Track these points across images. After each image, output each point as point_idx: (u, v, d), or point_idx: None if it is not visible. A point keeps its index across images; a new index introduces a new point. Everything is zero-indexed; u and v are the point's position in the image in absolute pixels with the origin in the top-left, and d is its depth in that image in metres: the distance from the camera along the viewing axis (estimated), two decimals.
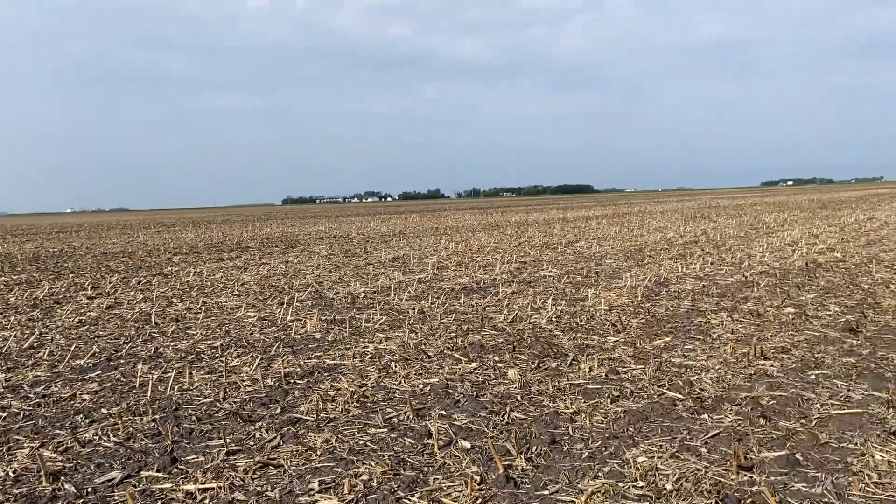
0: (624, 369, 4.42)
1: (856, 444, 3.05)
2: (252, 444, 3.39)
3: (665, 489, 2.73)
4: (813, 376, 4.09)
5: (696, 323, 5.72)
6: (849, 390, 3.80)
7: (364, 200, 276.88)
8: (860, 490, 2.63)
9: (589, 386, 4.11)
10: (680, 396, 3.84)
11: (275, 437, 3.45)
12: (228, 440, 3.42)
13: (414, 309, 6.77)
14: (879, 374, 4.07)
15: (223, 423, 3.71)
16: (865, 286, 7.14)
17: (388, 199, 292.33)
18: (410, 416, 3.68)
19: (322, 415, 3.74)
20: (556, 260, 10.79)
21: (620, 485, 2.80)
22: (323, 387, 4.26)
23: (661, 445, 3.15)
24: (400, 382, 4.31)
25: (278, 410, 3.87)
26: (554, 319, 6.05)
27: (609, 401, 3.81)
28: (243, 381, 4.47)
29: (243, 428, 3.61)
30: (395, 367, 4.65)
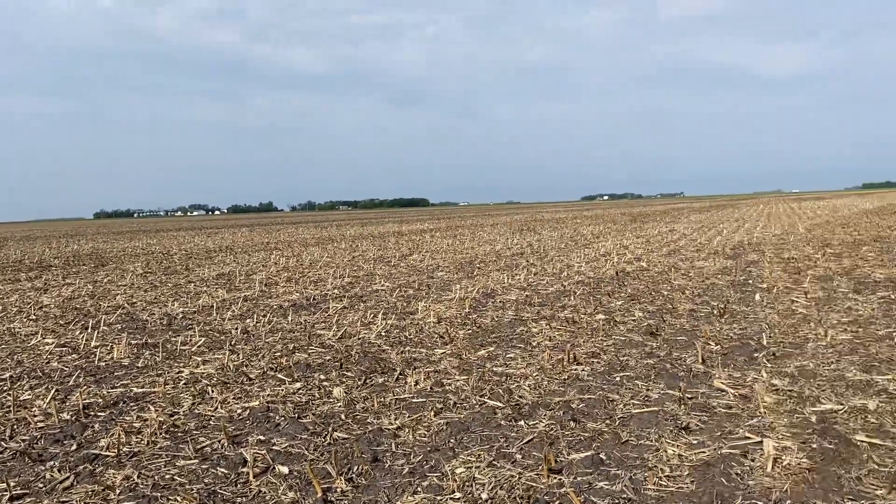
0: (449, 381, 4.49)
1: (652, 440, 3.30)
2: (41, 486, 3.03)
3: (481, 499, 2.78)
4: (618, 378, 4.40)
5: (518, 332, 5.96)
6: (648, 390, 4.12)
7: (189, 214, 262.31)
8: (654, 484, 2.84)
9: (414, 400, 4.12)
10: (500, 405, 3.96)
11: (68, 477, 3.10)
12: (13, 483, 3.03)
13: (237, 328, 6.46)
14: (674, 373, 4.46)
15: (8, 464, 3.29)
16: (665, 292, 7.84)
17: (217, 212, 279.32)
18: (225, 444, 3.48)
19: (125, 449, 3.43)
20: (390, 274, 10.83)
21: (438, 498, 2.81)
22: (128, 418, 3.92)
23: (479, 455, 3.21)
24: (216, 408, 4.07)
25: (74, 447, 3.49)
26: (383, 334, 6.04)
27: (433, 413, 3.84)
28: (35, 416, 4.00)
29: (32, 469, 3.22)
30: (212, 391, 4.39)
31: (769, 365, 4.52)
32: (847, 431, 3.26)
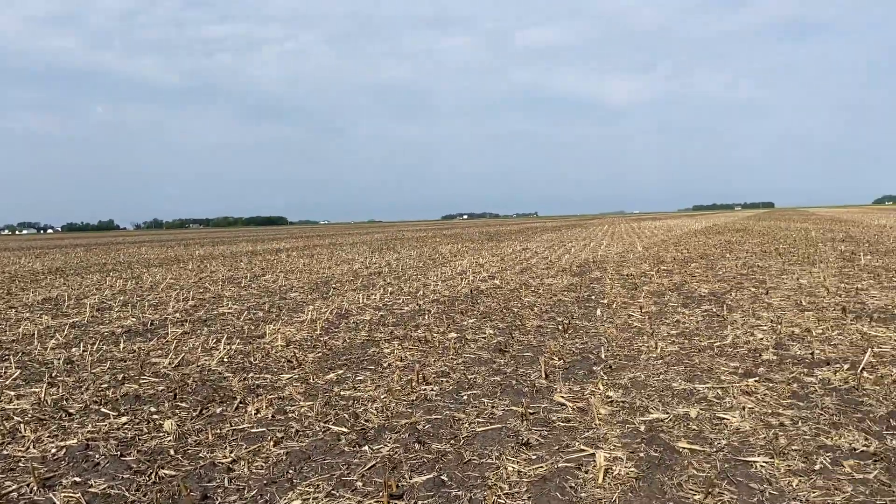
0: (292, 408, 4.31)
1: (493, 458, 3.33)
2: None
3: None
4: (466, 397, 4.43)
5: (370, 353, 5.87)
6: (493, 407, 4.17)
7: (17, 233, 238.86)
8: (493, 503, 2.85)
9: (253, 430, 3.91)
10: (345, 430, 3.84)
11: None
12: None
13: (60, 358, 5.88)
14: (518, 389, 4.55)
15: None
16: (516, 309, 8.07)
17: (49, 231, 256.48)
18: (35, 488, 3.11)
19: None
20: (239, 295, 10.37)
21: None
22: None
23: (318, 485, 3.08)
24: (28, 448, 3.64)
25: None
26: (226, 360, 5.73)
27: (272, 443, 3.65)
28: None
29: None
30: (25, 429, 3.94)
31: (606, 377, 4.74)
32: (671, 439, 3.46)
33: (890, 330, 5.84)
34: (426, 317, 7.70)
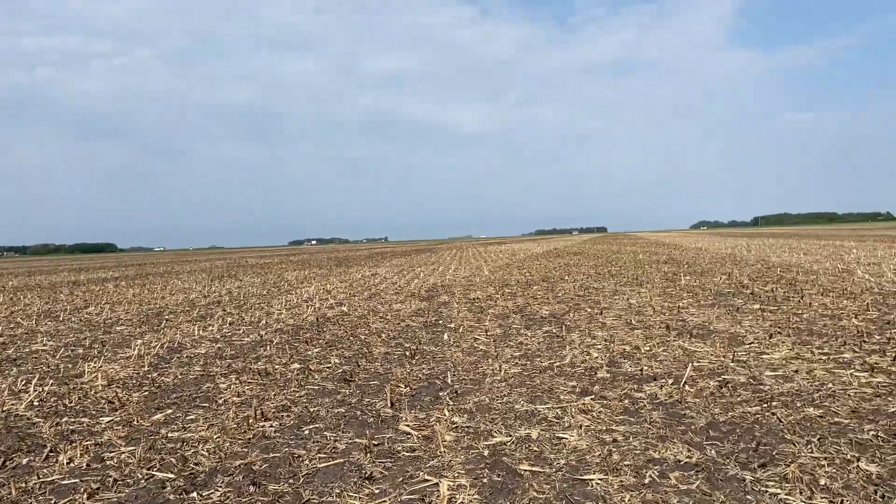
0: (112, 454, 3.90)
1: (333, 496, 3.17)
2: None
3: None
4: (307, 431, 4.22)
5: (204, 389, 5.48)
6: (336, 441, 4.01)
7: None
8: None
9: (64, 481, 3.48)
10: (171, 476, 3.52)
11: None
12: None
13: None
14: (363, 420, 4.42)
15: None
16: (363, 336, 7.93)
17: None
18: None
19: None
20: (56, 330, 9.38)
21: None
22: None
23: None
24: None
25: None
26: (37, 404, 5.11)
27: (86, 496, 3.26)
28: None
29: None
30: None
31: (451, 403, 4.73)
32: (514, 462, 3.48)
33: (707, 345, 6.35)
34: (268, 347, 7.36)
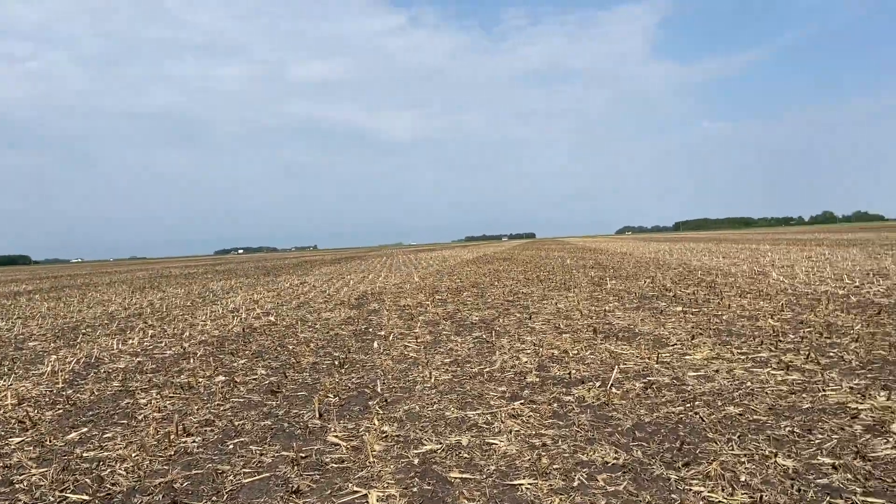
0: (22, 476, 3.66)
1: None
2: None
3: None
4: (231, 446, 4.08)
5: (122, 406, 5.24)
6: (262, 455, 3.88)
7: None
8: None
9: None
10: (85, 498, 3.33)
11: None
12: None
13: None
14: (291, 432, 4.31)
15: None
16: (291, 346, 7.76)
17: None
18: None
19: None
20: None
21: None
22: None
23: None
24: None
25: None
26: None
27: None
28: None
29: None
30: None
31: (381, 412, 4.67)
32: (444, 470, 3.45)
33: (632, 347, 6.50)
34: (191, 360, 7.11)
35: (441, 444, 3.88)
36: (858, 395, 4.31)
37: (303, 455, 3.81)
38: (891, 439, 3.46)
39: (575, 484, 3.17)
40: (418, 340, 7.68)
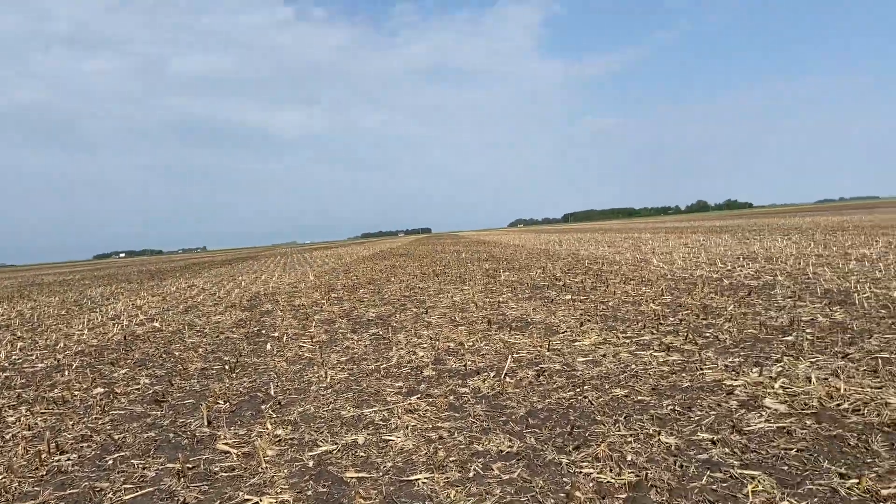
0: None
1: None
2: None
3: None
4: (111, 461, 3.83)
5: None
6: (145, 468, 3.67)
7: None
8: None
9: None
10: None
11: None
12: None
13: None
14: (177, 443, 4.10)
15: None
16: (177, 353, 7.40)
17: None
18: None
19: None
20: None
21: None
22: None
23: None
24: None
25: None
26: None
27: None
28: None
29: None
30: None
31: (275, 415, 4.53)
32: (340, 470, 3.39)
33: (525, 336, 6.64)
34: (66, 372, 6.64)
35: (337, 444, 3.80)
36: (733, 373, 4.59)
37: (190, 466, 3.62)
38: (763, 413, 3.70)
39: (471, 475, 3.19)
40: (314, 340, 7.52)
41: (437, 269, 17.88)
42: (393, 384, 5.13)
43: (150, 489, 3.36)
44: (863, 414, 3.51)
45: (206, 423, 4.42)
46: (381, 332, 7.69)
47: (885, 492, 2.62)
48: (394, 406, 4.49)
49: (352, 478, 3.28)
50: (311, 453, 3.68)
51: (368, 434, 3.94)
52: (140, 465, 3.72)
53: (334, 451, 3.68)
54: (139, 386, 5.80)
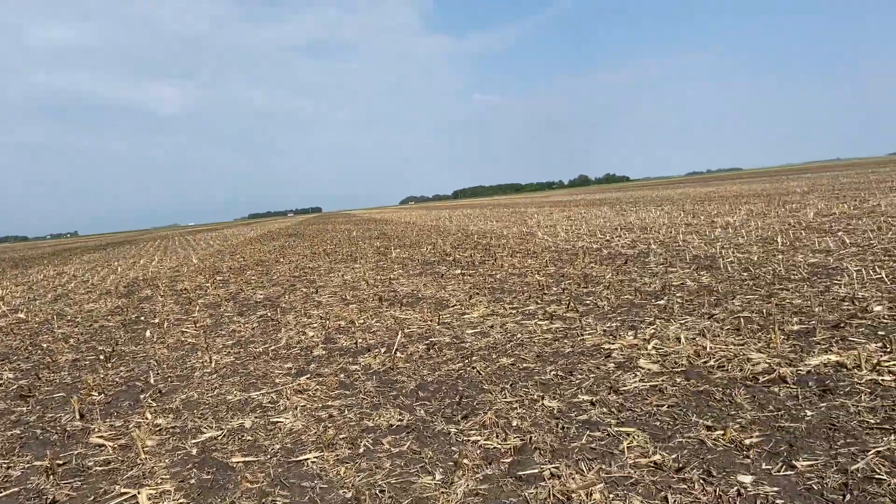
0: None
1: None
2: None
3: None
4: None
5: None
6: (9, 468, 3.41)
7: None
8: None
9: None
10: None
11: None
12: None
13: None
14: (45, 439, 3.83)
15: None
16: (45, 345, 6.92)
17: None
18: None
19: None
20: None
21: None
22: None
23: None
24: None
25: None
26: None
27: None
28: None
29: None
30: None
31: (155, 404, 4.32)
32: (225, 456, 3.28)
33: (416, 312, 6.68)
34: None
35: (222, 429, 3.68)
36: (611, 337, 4.82)
37: (60, 462, 3.40)
38: (638, 373, 3.92)
39: (361, 450, 3.18)
40: (197, 325, 7.23)
41: (327, 249, 17.63)
42: (282, 365, 5.03)
43: (15, 489, 3.12)
44: (727, 370, 3.78)
45: (77, 417, 4.16)
46: (269, 314, 7.51)
47: (747, 441, 2.84)
48: (283, 387, 4.40)
49: (238, 462, 3.19)
50: (194, 441, 3.55)
51: (256, 417, 3.84)
52: (4, 465, 3.45)
53: (219, 437, 3.57)
54: (1, 381, 5.37)
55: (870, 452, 2.58)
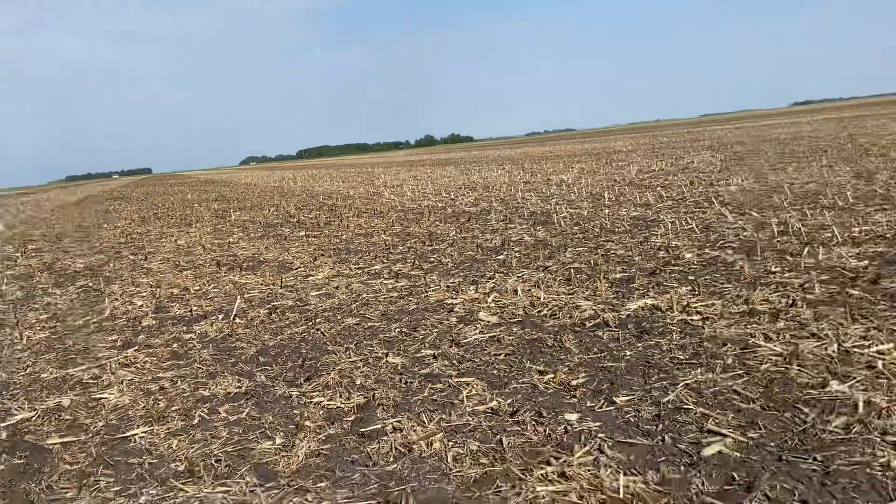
0: None
1: None
2: None
3: None
4: None
5: None
6: None
7: None
8: None
9: None
10: None
11: None
12: None
13: None
14: None
15: None
16: None
17: None
18: None
19: None
20: None
21: None
22: None
23: None
24: None
25: None
26: None
27: None
28: None
29: None
30: None
31: None
32: (39, 438, 3.00)
33: (257, 276, 6.45)
34: None
35: (36, 410, 3.36)
36: (454, 292, 4.93)
37: None
38: (478, 325, 4.03)
39: (195, 421, 3.03)
40: (5, 299, 6.52)
41: (158, 213, 16.53)
42: (106, 339, 4.66)
43: None
44: (558, 317, 4.00)
45: None
46: (91, 284, 6.92)
47: (574, 382, 3.02)
48: (107, 362, 4.08)
49: (55, 444, 2.92)
50: (3, 424, 3.20)
51: (76, 395, 3.54)
52: None
53: (33, 419, 3.25)
54: None
55: (679, 385, 2.84)
